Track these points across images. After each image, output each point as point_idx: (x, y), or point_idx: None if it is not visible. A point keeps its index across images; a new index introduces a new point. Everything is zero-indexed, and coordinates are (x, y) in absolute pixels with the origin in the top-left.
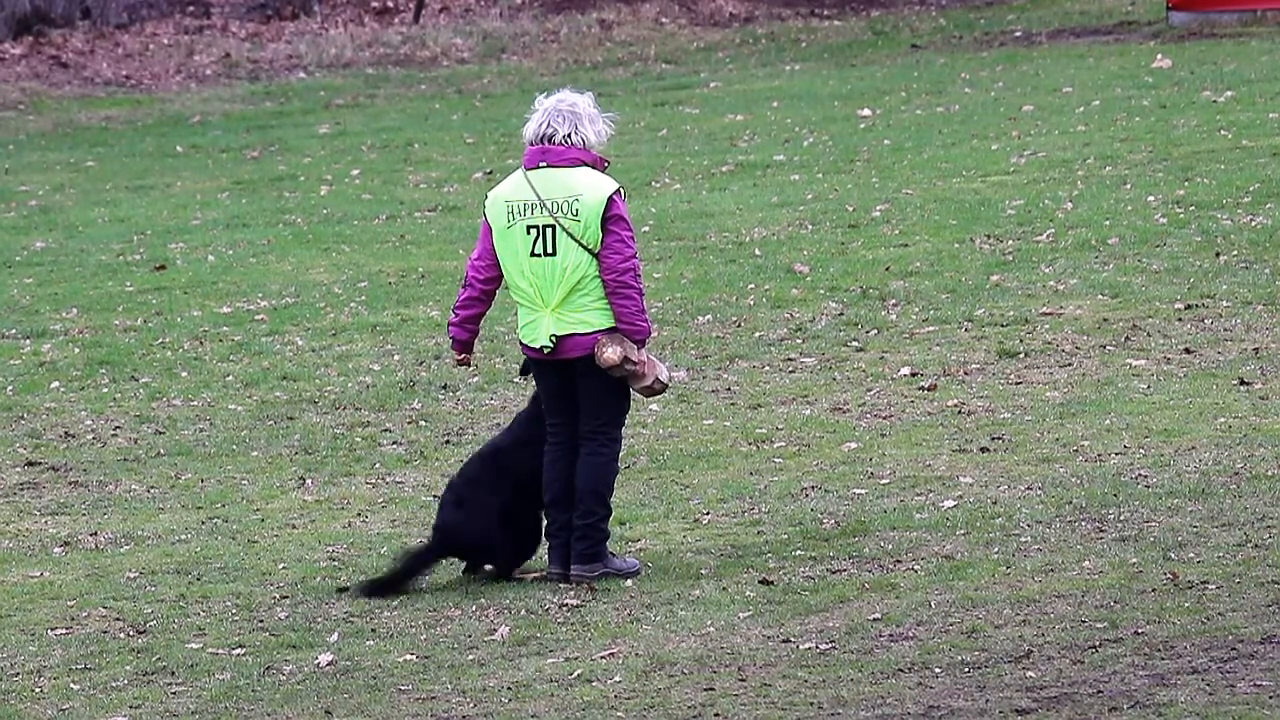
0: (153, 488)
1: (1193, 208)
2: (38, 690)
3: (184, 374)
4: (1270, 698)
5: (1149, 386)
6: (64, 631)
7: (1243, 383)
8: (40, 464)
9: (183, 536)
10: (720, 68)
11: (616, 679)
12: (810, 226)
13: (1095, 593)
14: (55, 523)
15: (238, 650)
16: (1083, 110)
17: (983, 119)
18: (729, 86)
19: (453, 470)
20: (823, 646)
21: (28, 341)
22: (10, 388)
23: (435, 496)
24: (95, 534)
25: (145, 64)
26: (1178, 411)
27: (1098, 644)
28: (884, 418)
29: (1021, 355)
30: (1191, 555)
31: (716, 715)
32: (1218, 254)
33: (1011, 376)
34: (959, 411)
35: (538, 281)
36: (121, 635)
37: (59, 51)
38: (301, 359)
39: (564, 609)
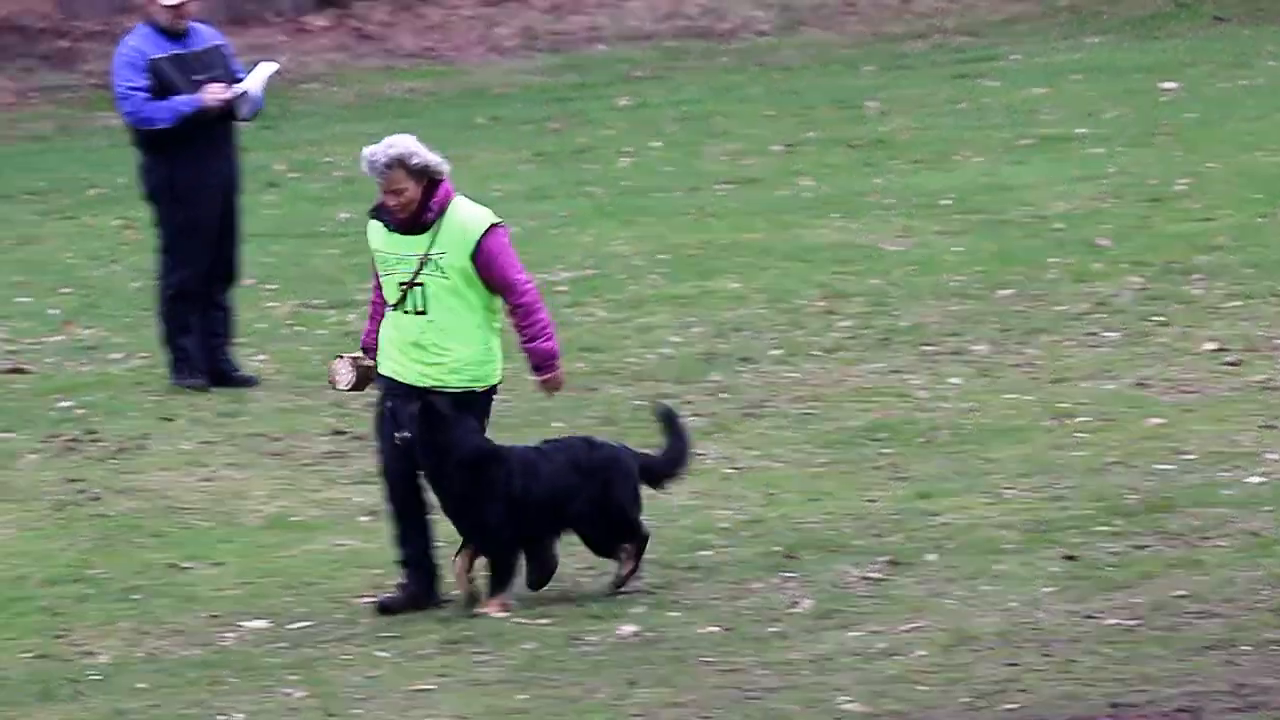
0: None
1: None
2: (346, 658)
3: None
4: None
5: None
6: (370, 599)
7: None
8: (346, 433)
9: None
10: (1021, 40)
11: (920, 653)
12: (1112, 200)
13: None
14: (361, 491)
15: (543, 620)
16: None
17: None
18: (1029, 59)
19: (752, 443)
20: (1127, 623)
21: (333, 311)
22: (317, 357)
23: (736, 469)
24: None
25: (447, 36)
26: None
27: None
28: (1188, 393)
29: None
30: None
31: (1020, 690)
32: None
33: None
34: (1265, 387)
35: None
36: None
37: (362, 24)
38: (602, 331)
39: (866, 582)
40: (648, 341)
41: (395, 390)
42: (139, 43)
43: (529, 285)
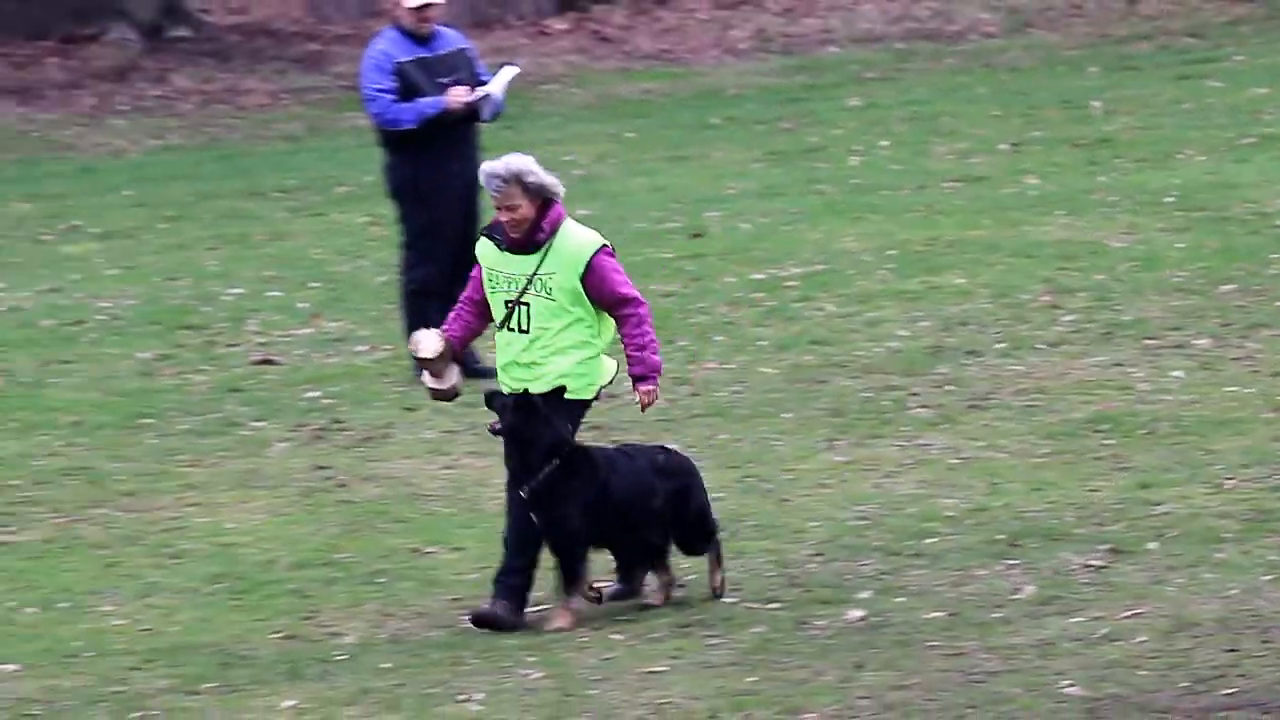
0: (689, 447)
1: None
2: (582, 640)
3: (719, 338)
4: None
5: None
6: (605, 584)
7: None
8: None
9: (719, 494)
10: (1245, 41)
11: (1141, 639)
12: None
13: None
14: None
15: (772, 605)
16: None
17: None
18: (1253, 60)
19: (977, 434)
20: None
21: None
22: None
23: (961, 459)
24: None
25: (683, 38)
26: None
27: None
28: None
29: None
30: None
31: (1240, 676)
32: None
33: None
34: None
35: None
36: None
37: (601, 27)
38: (831, 324)
39: (1088, 570)
40: (876, 335)
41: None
42: (386, 46)
43: (641, 300)
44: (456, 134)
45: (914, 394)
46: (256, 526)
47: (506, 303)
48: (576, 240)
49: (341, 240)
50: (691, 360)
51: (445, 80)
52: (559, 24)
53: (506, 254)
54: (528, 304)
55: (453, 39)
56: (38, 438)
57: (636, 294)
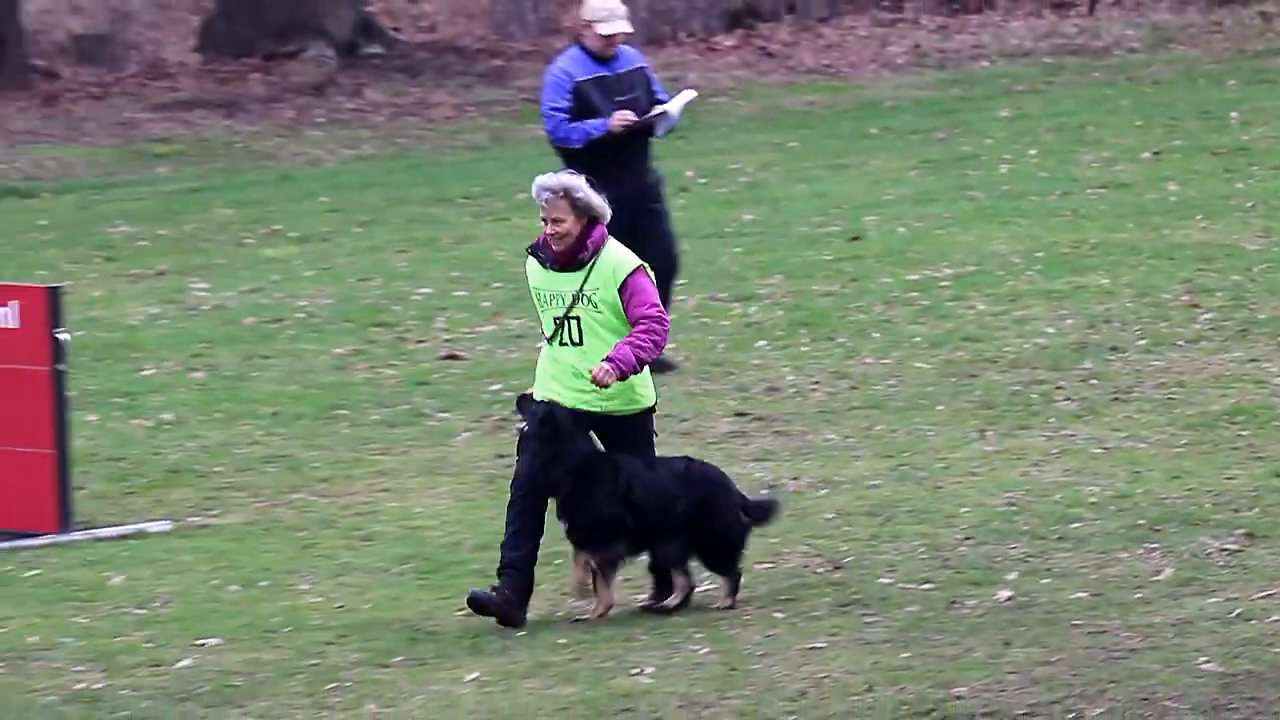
0: (848, 437)
1: None
2: (746, 619)
3: (876, 335)
4: None
5: None
6: (768, 566)
7: None
8: (747, 414)
9: (874, 482)
10: None
11: (1274, 618)
12: None
13: None
14: (760, 467)
15: (925, 585)
16: None
17: None
18: None
19: (1119, 425)
20: None
21: (737, 304)
22: (721, 346)
23: (1105, 449)
24: (796, 478)
25: (844, 54)
26: None
27: None
28: None
29: None
30: None
31: None
32: None
33: None
34: None
35: None
36: (820, 571)
37: (766, 43)
38: (982, 322)
39: (1224, 553)
40: (1024, 332)
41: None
42: (567, 65)
43: (664, 318)
44: (631, 146)
45: (1060, 388)
46: (442, 511)
47: (555, 319)
48: (615, 259)
49: (522, 243)
50: (850, 356)
51: (623, 99)
52: (727, 41)
53: (552, 272)
54: (577, 318)
55: (632, 58)
56: (240, 428)
57: (663, 313)
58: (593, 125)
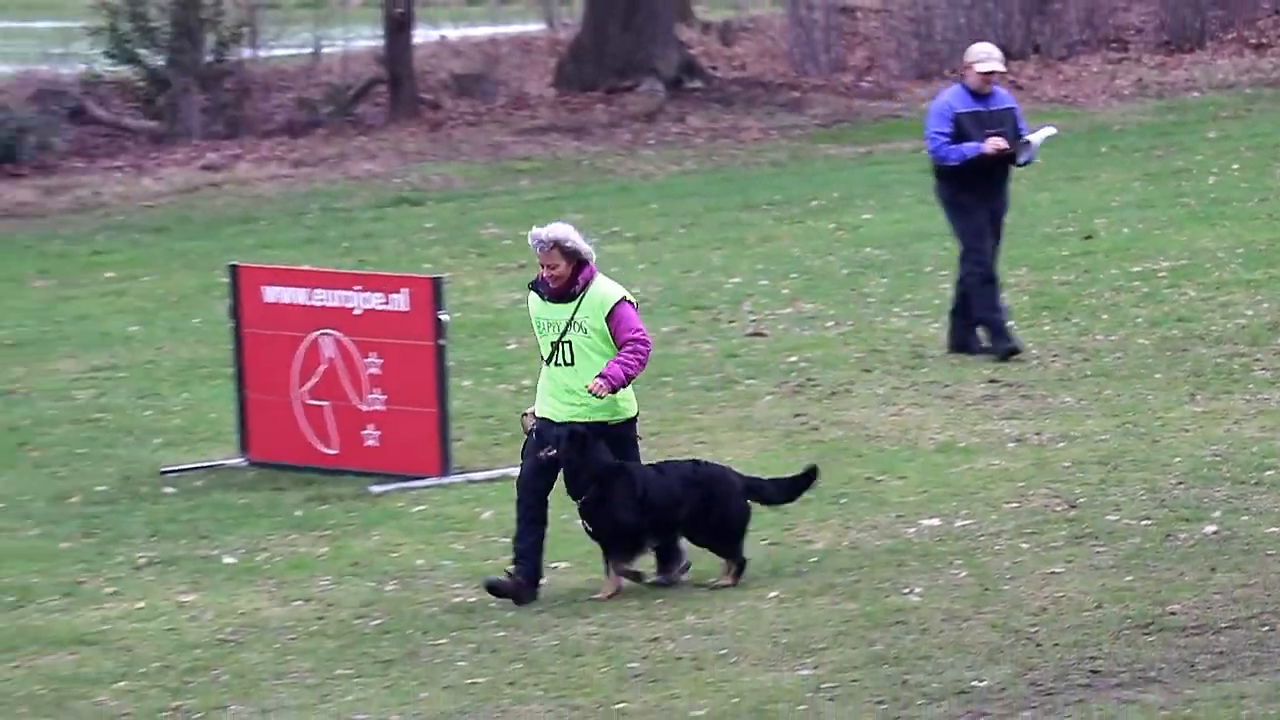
0: (1081, 400)
1: None
2: (996, 548)
3: (1104, 316)
4: None
5: None
6: (1015, 505)
7: None
8: (999, 381)
9: (1103, 437)
10: None
11: None
12: None
13: None
14: (1009, 425)
15: (1145, 521)
16: None
17: None
18: None
19: None
20: None
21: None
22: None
23: None
24: (1039, 434)
25: (1079, 86)
26: None
27: None
28: None
29: None
30: None
31: None
32: None
33: None
34: None
35: None
36: (1058, 509)
37: (1015, 77)
38: (1192, 306)
39: None
40: (1227, 314)
41: (549, 425)
42: (950, 98)
43: (647, 339)
44: (994, 169)
45: (1257, 359)
46: (749, 460)
47: (552, 343)
48: (602, 292)
49: (815, 242)
50: (1083, 334)
51: (992, 131)
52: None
53: (549, 303)
54: (570, 342)
55: (1004, 98)
56: None
57: (645, 335)
58: (969, 148)
